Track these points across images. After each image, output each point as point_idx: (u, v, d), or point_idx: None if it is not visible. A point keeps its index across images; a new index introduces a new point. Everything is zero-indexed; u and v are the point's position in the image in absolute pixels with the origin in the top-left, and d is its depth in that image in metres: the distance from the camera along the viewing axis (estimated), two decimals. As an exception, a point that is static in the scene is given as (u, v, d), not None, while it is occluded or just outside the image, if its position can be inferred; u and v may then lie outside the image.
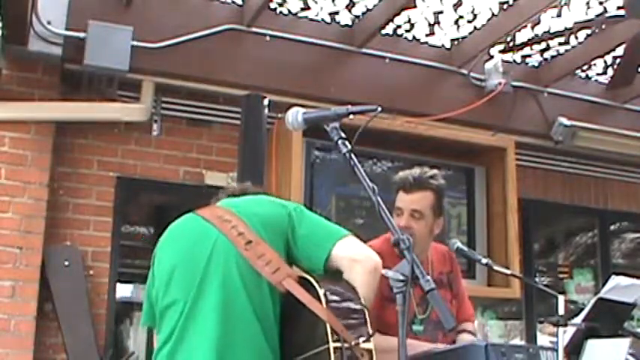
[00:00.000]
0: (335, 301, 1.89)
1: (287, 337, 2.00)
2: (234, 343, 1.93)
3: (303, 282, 1.95)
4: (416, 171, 2.79)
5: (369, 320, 1.90)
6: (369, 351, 1.84)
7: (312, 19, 4.81)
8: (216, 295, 1.96)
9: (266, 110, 3.90)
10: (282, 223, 2.07)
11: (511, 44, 5.15)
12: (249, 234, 2.01)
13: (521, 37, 5.07)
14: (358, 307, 1.91)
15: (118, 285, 4.39)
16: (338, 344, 1.80)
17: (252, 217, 2.06)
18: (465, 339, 2.82)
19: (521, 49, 5.23)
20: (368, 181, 1.84)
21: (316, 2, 4.70)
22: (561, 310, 2.47)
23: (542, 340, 5.48)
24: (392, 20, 4.61)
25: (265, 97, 3.92)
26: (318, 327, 1.84)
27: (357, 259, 2.00)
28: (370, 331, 1.87)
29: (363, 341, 1.83)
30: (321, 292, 1.89)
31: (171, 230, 2.21)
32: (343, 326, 1.83)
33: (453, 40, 5.12)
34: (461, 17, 4.87)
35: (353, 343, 1.81)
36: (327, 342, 1.80)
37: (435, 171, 2.83)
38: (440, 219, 2.83)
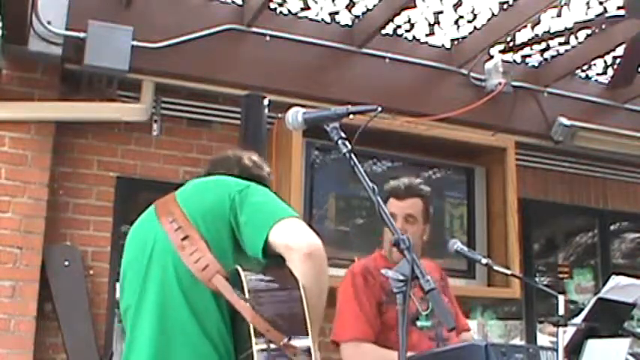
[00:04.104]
0: (264, 295, 1.75)
1: (233, 333, 1.88)
2: (171, 348, 1.85)
3: (233, 277, 1.83)
4: (405, 180, 2.93)
5: (307, 310, 1.76)
6: (306, 349, 1.71)
7: (312, 19, 4.81)
8: (154, 299, 1.90)
9: (266, 110, 3.91)
10: (224, 210, 1.93)
11: (511, 44, 5.15)
12: (187, 227, 1.92)
13: (521, 37, 5.07)
14: (294, 297, 1.75)
15: (118, 285, 4.38)
16: (263, 346, 1.68)
17: (193, 208, 1.96)
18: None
19: (521, 49, 5.23)
20: (368, 181, 1.84)
21: (316, 2, 4.70)
22: (561, 310, 2.47)
23: (542, 340, 5.48)
24: (392, 20, 4.61)
25: (265, 97, 3.93)
26: (245, 327, 1.74)
27: (291, 246, 1.80)
28: (308, 323, 1.73)
29: (298, 339, 1.70)
30: (246, 286, 1.76)
31: (134, 225, 2.16)
32: (270, 324, 1.70)
33: (453, 40, 5.12)
34: (461, 17, 4.87)
35: (281, 343, 1.69)
36: (251, 346, 1.69)
37: (421, 180, 3.02)
38: (427, 226, 2.94)
